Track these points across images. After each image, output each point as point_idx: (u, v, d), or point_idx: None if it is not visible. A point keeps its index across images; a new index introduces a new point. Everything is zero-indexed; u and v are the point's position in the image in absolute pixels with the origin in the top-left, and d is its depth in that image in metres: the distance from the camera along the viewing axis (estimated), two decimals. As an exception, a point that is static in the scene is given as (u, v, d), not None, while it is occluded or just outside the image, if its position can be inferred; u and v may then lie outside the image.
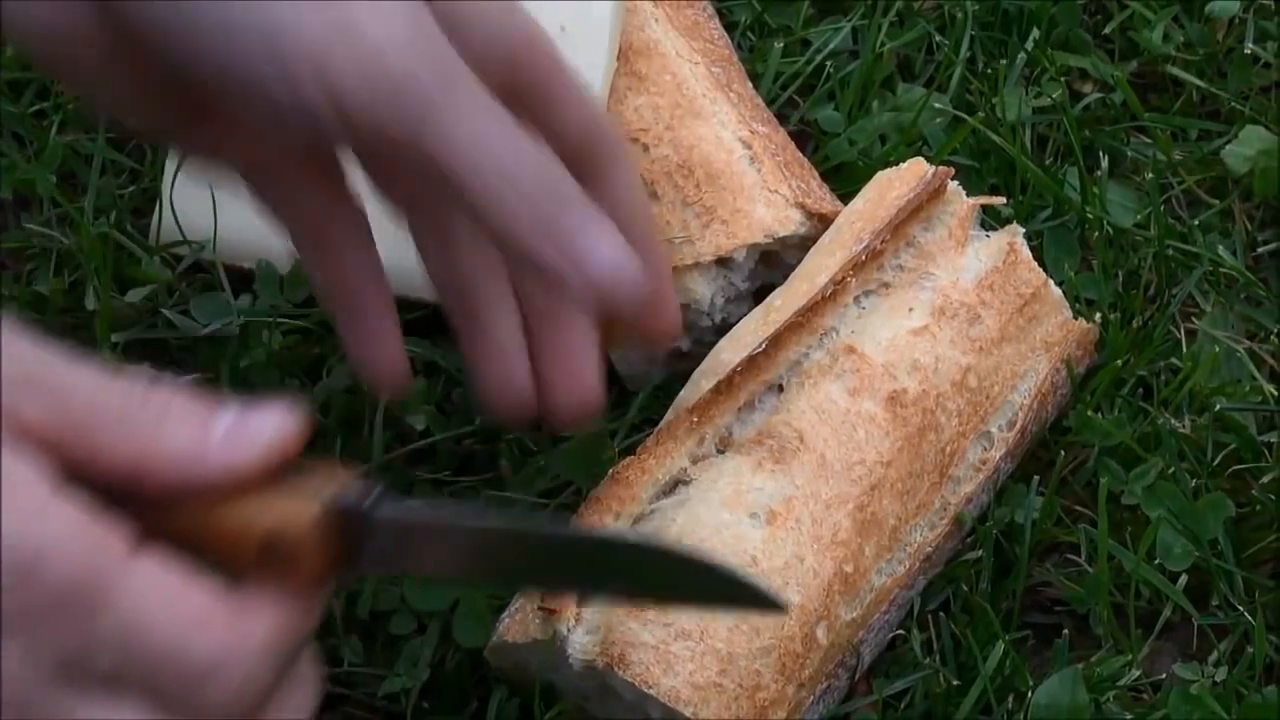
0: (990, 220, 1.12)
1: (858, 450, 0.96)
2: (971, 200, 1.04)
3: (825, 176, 1.14)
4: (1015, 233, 1.05)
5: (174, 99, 0.79)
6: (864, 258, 1.00)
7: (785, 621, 0.90)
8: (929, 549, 0.98)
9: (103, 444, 0.65)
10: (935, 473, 0.98)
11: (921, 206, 1.02)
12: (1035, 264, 1.05)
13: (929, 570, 1.00)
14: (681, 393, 1.01)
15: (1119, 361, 1.09)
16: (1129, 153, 1.21)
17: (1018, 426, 1.02)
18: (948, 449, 0.99)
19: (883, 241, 1.01)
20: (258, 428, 0.68)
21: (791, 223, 1.07)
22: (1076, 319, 1.06)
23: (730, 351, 1.00)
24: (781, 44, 1.23)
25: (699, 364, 1.08)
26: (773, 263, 1.10)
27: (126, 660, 0.63)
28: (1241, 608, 1.03)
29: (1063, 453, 1.07)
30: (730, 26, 1.24)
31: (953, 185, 1.04)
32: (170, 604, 0.64)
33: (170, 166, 1.09)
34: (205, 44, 0.73)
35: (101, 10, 0.75)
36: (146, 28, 0.74)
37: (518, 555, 0.71)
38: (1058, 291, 1.06)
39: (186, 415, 0.67)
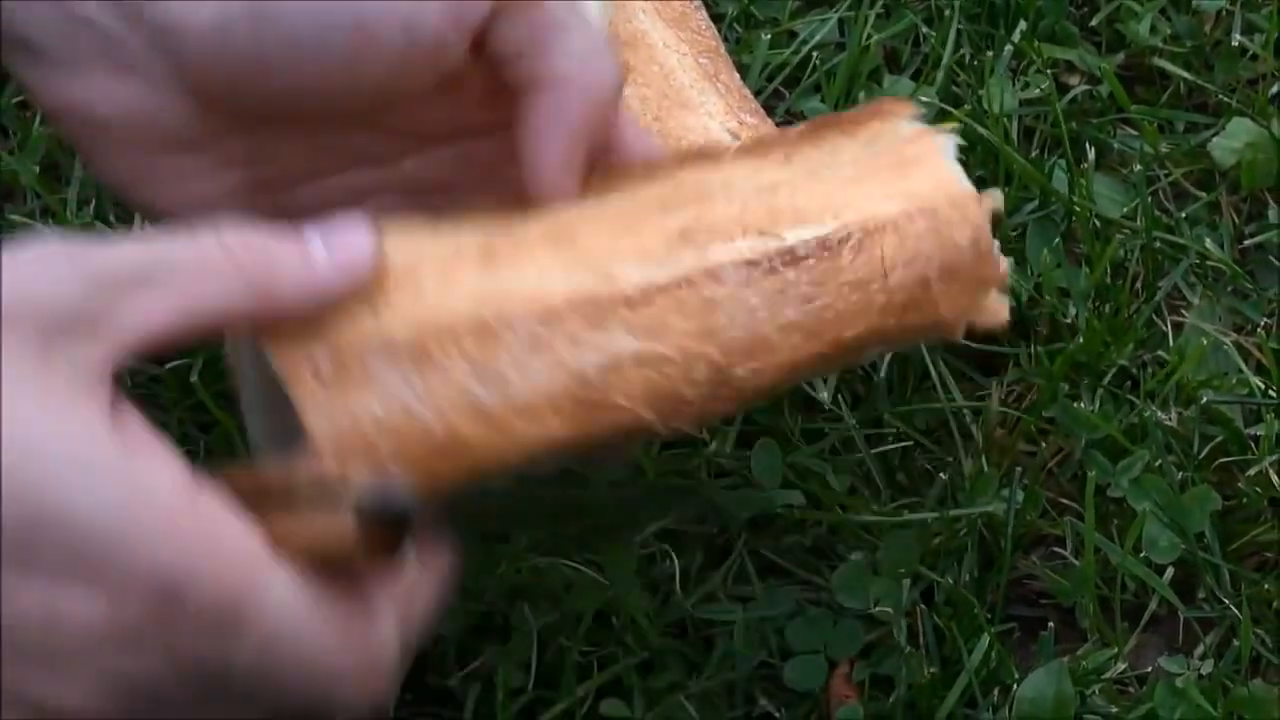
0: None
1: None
2: (920, 128, 0.89)
3: (811, 168, 1.14)
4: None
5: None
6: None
7: None
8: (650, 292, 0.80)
9: (220, 306, 0.65)
10: (677, 235, 0.81)
11: (861, 122, 0.88)
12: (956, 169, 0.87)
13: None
14: None
15: (1099, 349, 1.09)
16: (1116, 145, 1.21)
17: (830, 248, 0.81)
18: (704, 220, 0.81)
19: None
20: (351, 239, 0.69)
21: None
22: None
23: None
24: (768, 35, 1.23)
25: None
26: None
27: (263, 679, 0.63)
28: (1228, 601, 1.03)
29: (1048, 444, 1.07)
30: (717, 18, 1.23)
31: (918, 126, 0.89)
32: (307, 621, 0.63)
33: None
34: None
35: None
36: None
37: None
38: (963, 181, 0.85)
39: (280, 249, 0.67)
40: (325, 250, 0.68)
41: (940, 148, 0.84)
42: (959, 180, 0.82)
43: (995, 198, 0.82)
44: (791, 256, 0.78)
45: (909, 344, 0.90)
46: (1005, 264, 0.83)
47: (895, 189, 0.81)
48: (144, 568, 0.59)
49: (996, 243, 0.81)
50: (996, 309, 0.83)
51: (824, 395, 1.07)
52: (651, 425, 0.75)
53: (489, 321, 0.73)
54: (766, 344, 0.77)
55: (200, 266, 0.65)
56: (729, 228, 0.79)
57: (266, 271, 0.66)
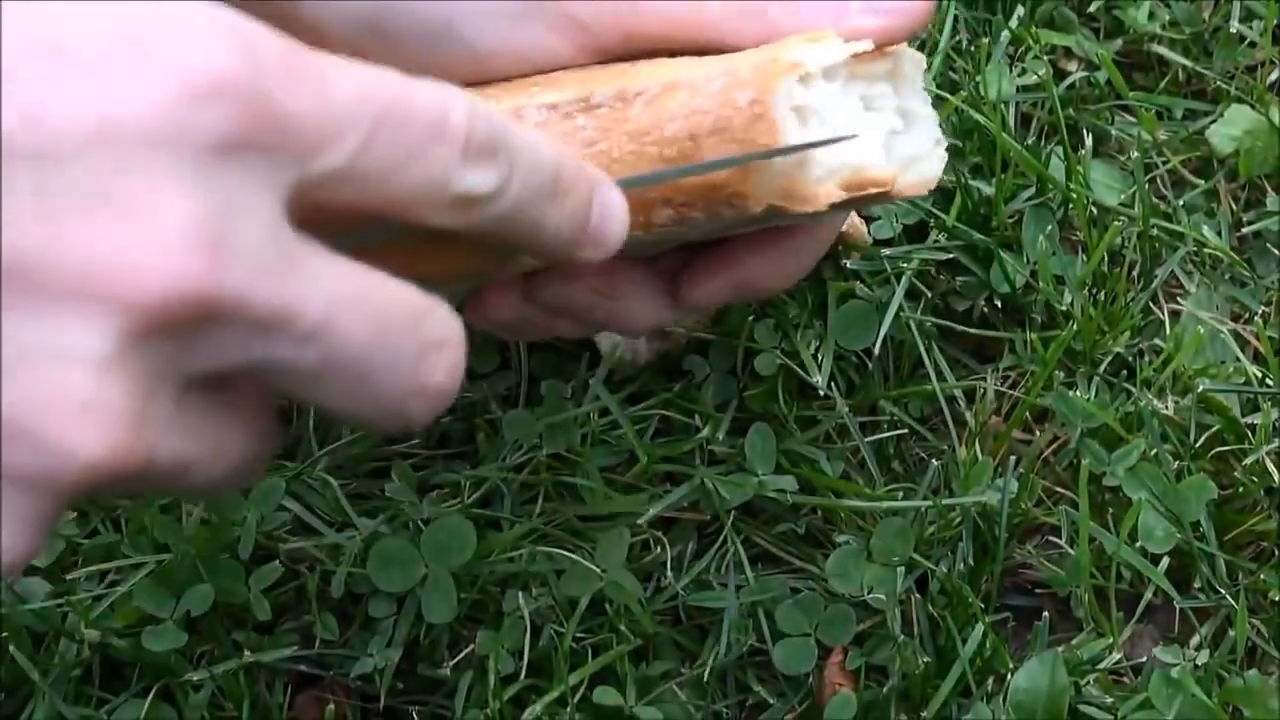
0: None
1: None
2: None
3: (807, 154, 1.13)
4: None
5: None
6: None
7: None
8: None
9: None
10: (520, 84, 0.82)
11: None
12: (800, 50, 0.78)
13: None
14: None
15: (1095, 337, 1.08)
16: (1113, 132, 1.20)
17: (625, 99, 0.78)
18: (550, 78, 0.82)
19: None
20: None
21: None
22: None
23: None
24: (764, 20, 1.23)
25: (682, 343, 1.08)
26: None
27: None
28: (1223, 590, 1.02)
29: (1043, 433, 1.07)
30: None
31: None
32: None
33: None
34: None
35: None
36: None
37: None
38: (791, 53, 0.76)
39: None
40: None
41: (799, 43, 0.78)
42: (787, 52, 0.75)
43: (808, 60, 0.74)
44: (586, 104, 0.76)
45: (730, 224, 0.82)
46: (798, 136, 0.74)
47: (724, 63, 0.77)
48: None
49: (790, 113, 0.73)
50: (854, 228, 0.81)
51: (818, 380, 1.06)
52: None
53: None
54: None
55: None
56: (562, 82, 0.78)
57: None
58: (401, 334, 0.59)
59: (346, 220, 0.60)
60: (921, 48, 1.21)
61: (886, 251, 1.11)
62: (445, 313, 0.61)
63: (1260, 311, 1.12)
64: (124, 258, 0.52)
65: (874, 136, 0.76)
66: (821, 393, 1.07)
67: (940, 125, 0.79)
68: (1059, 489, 1.06)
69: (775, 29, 0.78)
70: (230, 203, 0.54)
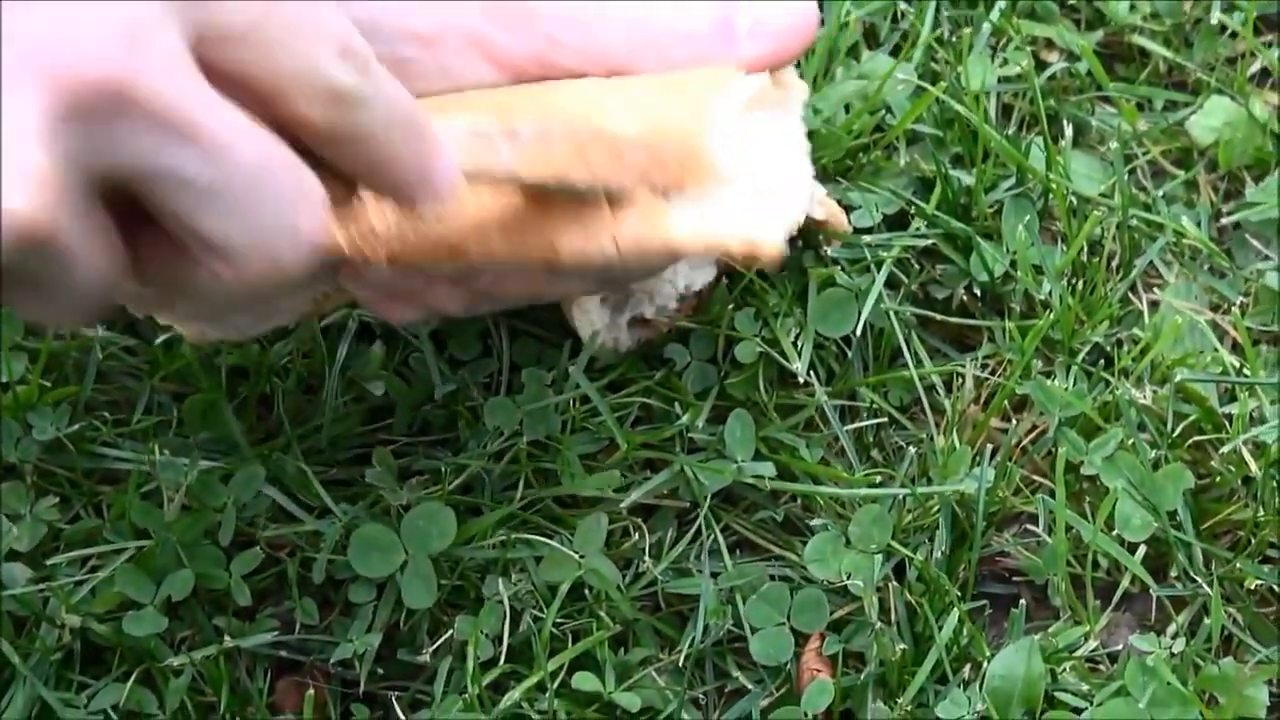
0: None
1: None
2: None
3: (789, 144, 1.14)
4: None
5: None
6: None
7: None
8: None
9: None
10: (455, 102, 0.85)
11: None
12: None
13: None
14: None
15: (1073, 326, 1.09)
16: (1094, 122, 1.21)
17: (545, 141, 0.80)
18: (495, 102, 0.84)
19: None
20: None
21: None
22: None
23: None
24: (747, 10, 1.23)
25: (665, 333, 1.08)
26: (735, 229, 1.09)
27: None
28: (1200, 579, 1.03)
29: (1021, 421, 1.07)
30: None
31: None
32: None
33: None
34: None
35: None
36: None
37: None
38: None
39: None
40: None
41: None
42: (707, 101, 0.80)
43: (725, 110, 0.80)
44: (510, 133, 0.79)
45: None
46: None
47: (645, 110, 0.81)
48: None
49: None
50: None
51: (798, 367, 1.07)
52: (344, 256, 0.79)
53: None
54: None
55: None
56: (479, 104, 0.82)
57: None
58: (284, 174, 0.67)
59: None
60: (904, 39, 1.22)
61: (867, 239, 1.11)
62: (313, 174, 0.69)
63: (1238, 302, 1.13)
64: (60, 42, 0.61)
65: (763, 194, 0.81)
66: (801, 380, 1.07)
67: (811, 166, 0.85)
68: (1037, 477, 1.07)
69: (670, 59, 0.86)
70: (151, 18, 0.62)
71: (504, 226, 0.79)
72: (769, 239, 0.80)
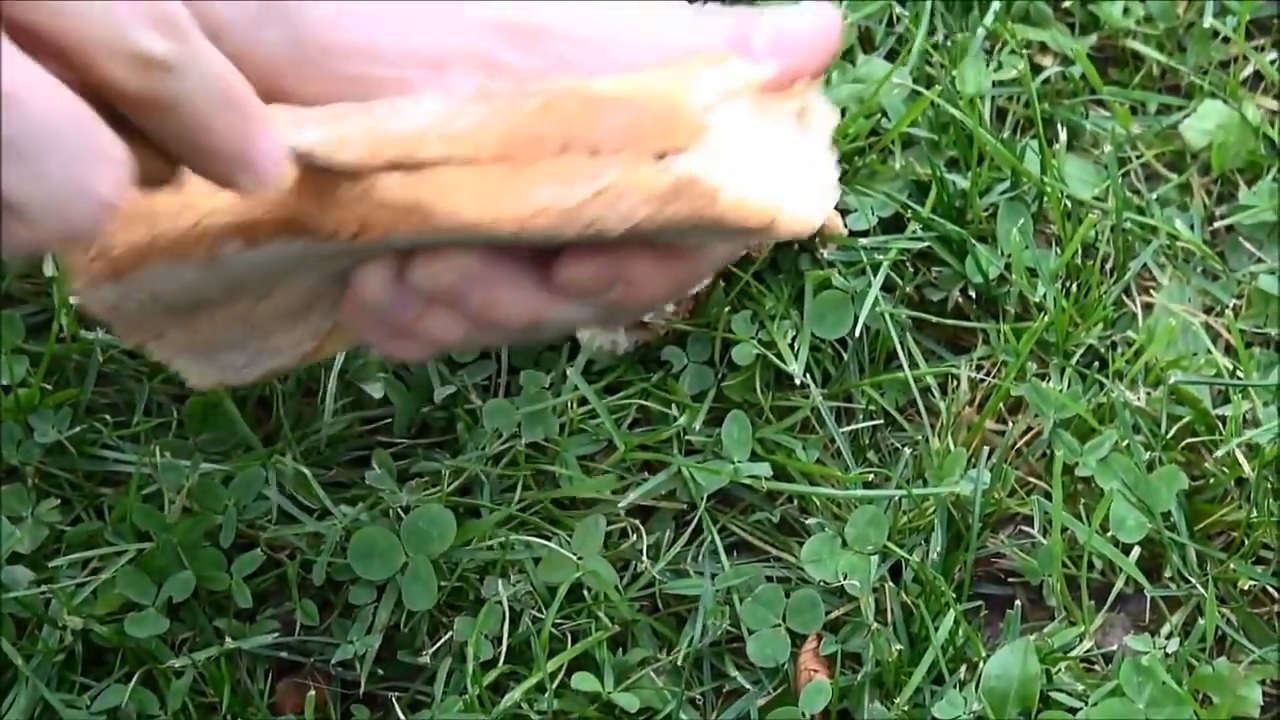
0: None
1: None
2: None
3: (784, 147, 1.14)
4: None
5: None
6: None
7: None
8: None
9: None
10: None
11: None
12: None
13: None
14: None
15: (1068, 328, 1.10)
16: (1088, 126, 1.21)
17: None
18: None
19: None
20: None
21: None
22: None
23: None
24: (743, 14, 1.23)
25: (662, 335, 1.09)
26: (731, 233, 1.10)
27: None
28: (1194, 580, 1.04)
29: (1016, 423, 1.08)
30: (693, -3, 1.24)
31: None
32: None
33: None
34: None
35: None
36: None
37: None
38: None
39: None
40: None
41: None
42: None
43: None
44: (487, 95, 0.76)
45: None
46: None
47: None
48: None
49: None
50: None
51: (795, 369, 1.07)
52: (307, 223, 0.75)
53: None
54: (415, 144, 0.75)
55: None
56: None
57: None
58: (79, 130, 0.64)
59: None
60: (899, 43, 1.22)
61: (863, 242, 1.12)
62: (115, 136, 0.66)
63: (1232, 304, 1.14)
64: None
65: (764, 169, 0.75)
66: (798, 382, 1.08)
67: (839, 172, 0.79)
68: (1032, 479, 1.07)
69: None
70: None
71: (476, 187, 0.74)
72: (757, 198, 0.75)
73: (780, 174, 0.75)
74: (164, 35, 0.67)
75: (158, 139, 0.70)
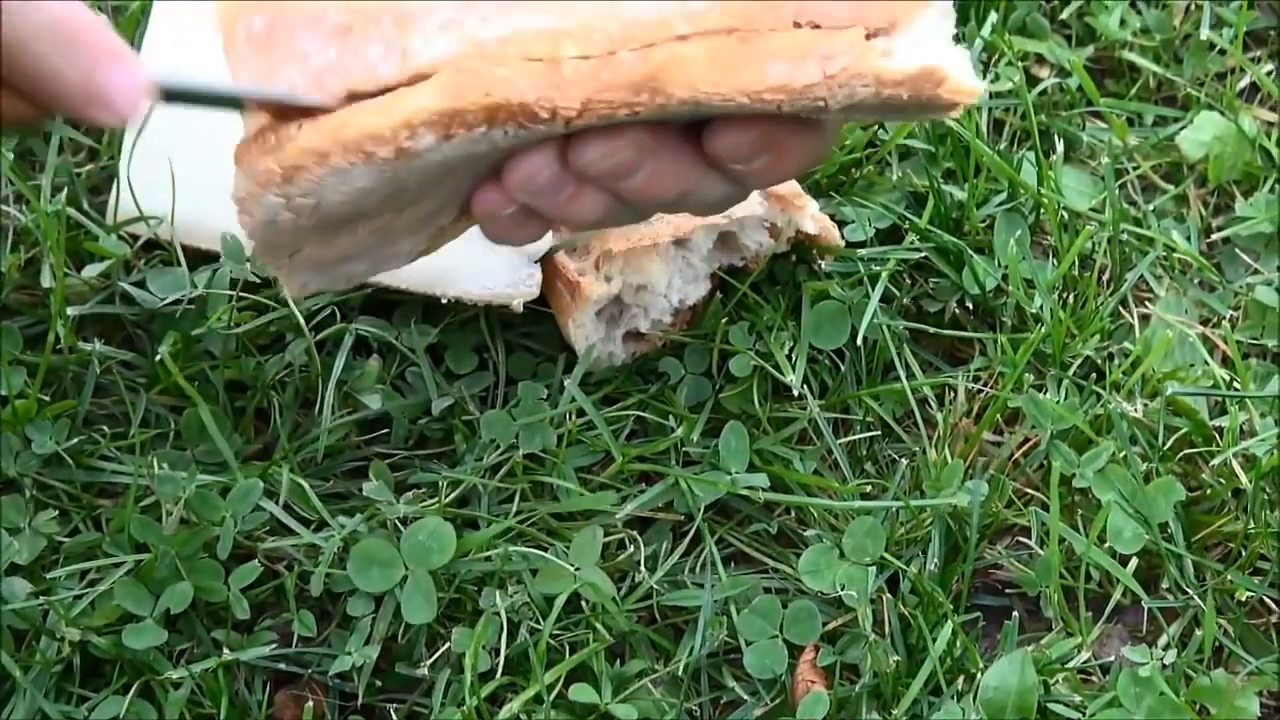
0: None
1: None
2: None
3: (782, 158, 1.14)
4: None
5: None
6: None
7: None
8: None
9: None
10: None
11: None
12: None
13: None
14: None
15: (1065, 340, 1.10)
16: (1085, 137, 1.22)
17: None
18: None
19: None
20: None
21: (750, 203, 1.07)
22: None
23: None
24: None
25: (660, 346, 1.09)
26: (731, 244, 1.10)
27: None
28: (1191, 591, 1.04)
29: (1014, 435, 1.08)
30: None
31: None
32: None
33: (128, 145, 1.09)
34: None
35: None
36: None
37: None
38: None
39: None
40: None
41: None
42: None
43: None
44: None
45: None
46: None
47: None
48: None
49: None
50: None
51: (792, 380, 1.07)
52: (524, 104, 0.74)
53: (411, 9, 0.74)
54: (662, 29, 0.74)
55: None
56: None
57: None
58: (79, 28, 0.71)
59: None
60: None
61: (860, 253, 1.12)
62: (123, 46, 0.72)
63: (1228, 316, 1.14)
64: None
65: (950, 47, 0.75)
66: (795, 393, 1.08)
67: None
68: (1029, 490, 1.07)
69: None
70: None
71: (710, 60, 0.74)
72: (967, 80, 0.76)
73: (958, 51, 0.76)
74: None
75: (12, 84, 0.72)
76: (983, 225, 1.15)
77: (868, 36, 0.74)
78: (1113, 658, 1.03)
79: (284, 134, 0.75)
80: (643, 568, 1.04)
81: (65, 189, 1.13)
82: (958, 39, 1.19)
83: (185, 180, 1.08)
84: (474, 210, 0.82)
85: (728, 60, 0.74)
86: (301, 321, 1.07)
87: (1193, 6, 1.28)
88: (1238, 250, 1.17)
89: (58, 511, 1.05)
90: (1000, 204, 1.16)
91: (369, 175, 0.75)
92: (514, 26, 0.73)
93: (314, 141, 0.74)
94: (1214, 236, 1.18)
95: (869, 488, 1.07)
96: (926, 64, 0.73)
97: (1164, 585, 1.05)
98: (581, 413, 1.07)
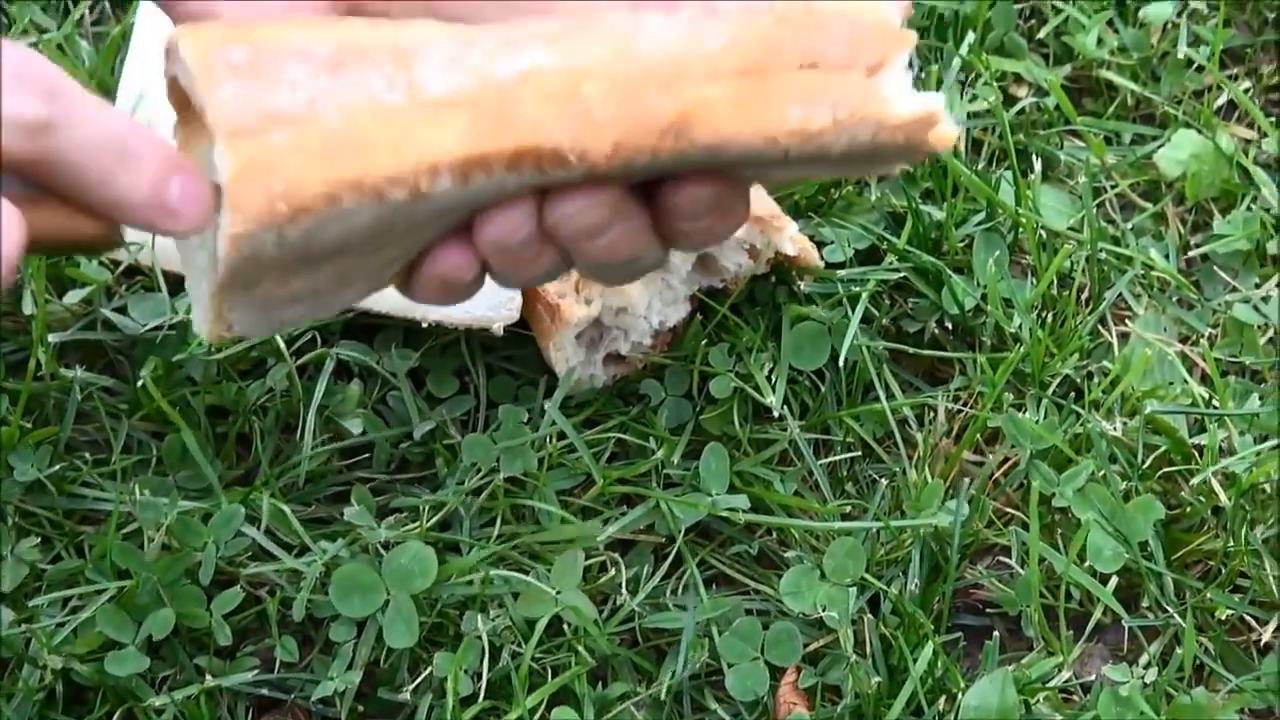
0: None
1: None
2: None
3: (761, 179, 1.15)
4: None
5: None
6: None
7: None
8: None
9: None
10: None
11: None
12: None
13: None
14: None
15: (1044, 359, 1.10)
16: (1062, 156, 1.22)
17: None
18: None
19: None
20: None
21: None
22: None
23: None
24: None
25: (640, 369, 1.09)
26: (710, 266, 1.10)
27: None
28: (1171, 609, 1.04)
29: (994, 454, 1.08)
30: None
31: None
32: None
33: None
34: None
35: None
36: None
37: None
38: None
39: None
40: None
41: None
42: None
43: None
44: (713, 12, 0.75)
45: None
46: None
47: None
48: None
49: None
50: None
51: (772, 401, 1.08)
52: (557, 149, 0.73)
53: (406, 47, 0.73)
54: (681, 72, 0.74)
55: None
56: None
57: None
58: (137, 140, 0.72)
59: None
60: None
61: (839, 274, 1.12)
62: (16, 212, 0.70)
63: (1207, 334, 1.14)
64: None
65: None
66: (775, 414, 1.08)
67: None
68: (1009, 510, 1.08)
69: None
70: None
71: (736, 103, 0.74)
72: (949, 125, 0.76)
73: (938, 96, 0.76)
74: (40, 98, 0.70)
75: (71, 199, 0.72)
76: (961, 245, 1.15)
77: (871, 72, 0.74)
78: (1094, 677, 1.03)
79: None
80: (624, 590, 1.04)
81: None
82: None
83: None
84: (429, 269, 0.80)
85: (751, 103, 0.74)
86: (283, 347, 1.08)
87: (1170, 25, 1.28)
88: (1216, 268, 1.17)
89: (40, 539, 1.05)
90: (979, 224, 1.16)
91: (372, 215, 0.74)
92: (530, 64, 0.73)
93: (334, 178, 0.73)
94: (1192, 254, 1.19)
95: (849, 508, 1.07)
96: (927, 108, 0.73)
97: (1144, 604, 1.05)
98: (562, 435, 1.07)
